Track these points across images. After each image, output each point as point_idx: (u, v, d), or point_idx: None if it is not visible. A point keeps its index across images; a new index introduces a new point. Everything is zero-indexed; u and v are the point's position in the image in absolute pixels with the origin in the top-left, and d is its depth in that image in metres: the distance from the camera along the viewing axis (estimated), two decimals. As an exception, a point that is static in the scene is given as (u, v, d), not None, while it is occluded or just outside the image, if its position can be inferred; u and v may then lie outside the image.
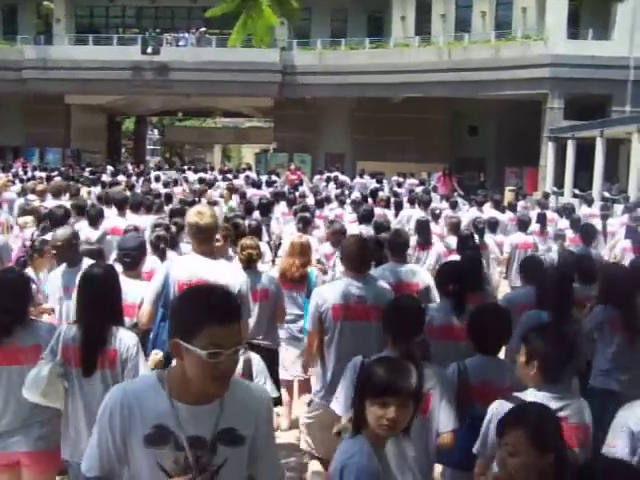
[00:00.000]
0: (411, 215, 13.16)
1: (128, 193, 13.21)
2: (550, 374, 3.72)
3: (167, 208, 11.99)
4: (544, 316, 5.31)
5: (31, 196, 13.63)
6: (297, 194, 16.41)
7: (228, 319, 2.38)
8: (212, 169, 30.06)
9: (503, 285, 11.18)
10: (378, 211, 12.77)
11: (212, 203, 12.84)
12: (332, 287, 5.44)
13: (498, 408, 3.62)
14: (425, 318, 4.50)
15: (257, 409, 2.61)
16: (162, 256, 6.85)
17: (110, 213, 10.04)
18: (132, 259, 5.67)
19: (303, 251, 7.38)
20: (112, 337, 4.06)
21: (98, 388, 4.01)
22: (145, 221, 9.70)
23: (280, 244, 10.45)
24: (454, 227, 10.62)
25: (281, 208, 13.66)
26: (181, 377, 2.46)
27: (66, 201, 11.20)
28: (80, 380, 4.05)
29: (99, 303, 4.14)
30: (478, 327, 4.51)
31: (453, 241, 9.70)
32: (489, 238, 10.77)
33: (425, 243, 9.87)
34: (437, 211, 12.52)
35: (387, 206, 14.78)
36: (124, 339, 4.08)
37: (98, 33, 37.39)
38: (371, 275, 5.52)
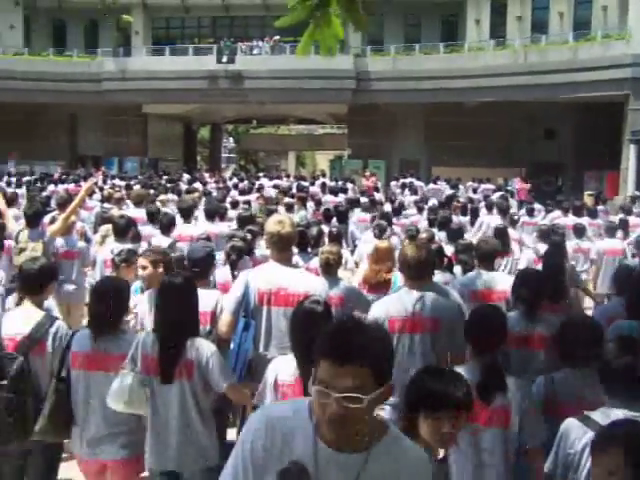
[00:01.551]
0: (489, 222, 12.95)
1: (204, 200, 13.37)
2: (629, 391, 3.50)
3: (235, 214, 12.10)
4: (635, 326, 5.08)
5: (108, 204, 13.92)
6: (373, 200, 16.31)
7: (341, 360, 2.05)
8: (287, 176, 30.21)
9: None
10: (454, 218, 12.61)
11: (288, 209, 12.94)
12: (390, 298, 5.31)
13: (568, 427, 3.51)
14: (507, 328, 4.37)
15: (410, 473, 2.22)
16: (234, 267, 6.85)
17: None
18: (201, 269, 5.67)
19: (387, 256, 7.31)
20: (189, 347, 4.07)
21: (175, 397, 4.05)
22: (218, 229, 9.80)
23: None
24: (544, 234, 10.36)
25: (357, 215, 13.60)
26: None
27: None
28: (159, 388, 4.08)
29: (176, 313, 4.15)
30: (567, 339, 4.35)
31: (543, 248, 9.45)
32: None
33: (504, 250, 9.69)
34: (515, 217, 12.28)
35: (464, 212, 14.59)
36: (201, 349, 4.09)
37: (174, 44, 38.17)
38: (433, 284, 5.37)
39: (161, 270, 5.71)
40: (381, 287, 7.13)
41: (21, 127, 37.04)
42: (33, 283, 4.86)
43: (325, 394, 2.05)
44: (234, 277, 6.56)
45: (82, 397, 4.35)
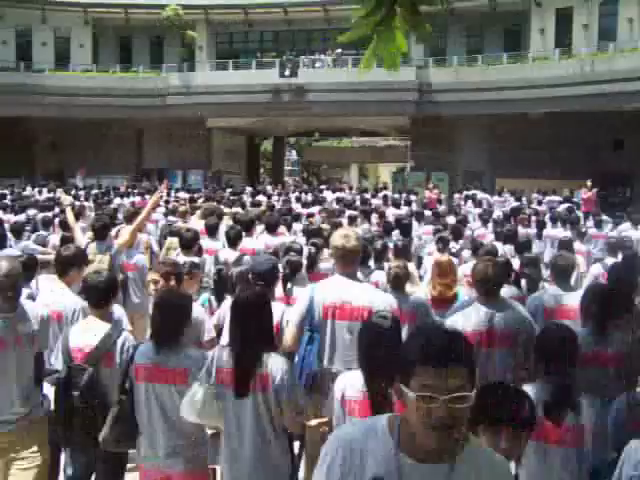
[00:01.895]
0: (554, 235, 12.71)
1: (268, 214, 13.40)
2: None
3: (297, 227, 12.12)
4: None
5: (172, 217, 14.09)
6: (437, 213, 16.16)
7: (444, 361, 2.12)
8: (350, 188, 30.18)
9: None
10: (520, 230, 12.39)
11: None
12: (463, 313, 5.26)
13: (633, 447, 3.36)
14: (578, 347, 4.22)
15: None
16: (286, 281, 6.71)
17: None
18: (265, 282, 5.65)
19: (449, 270, 7.23)
20: (264, 362, 4.03)
21: (250, 412, 4.02)
22: (279, 242, 9.79)
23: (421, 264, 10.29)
24: (612, 247, 10.08)
25: (421, 228, 13.49)
26: (408, 426, 2.23)
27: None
28: (233, 402, 4.06)
29: (250, 328, 4.13)
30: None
31: (611, 262, 9.16)
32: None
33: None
34: (583, 230, 11.98)
35: (529, 225, 14.33)
36: (276, 364, 4.04)
37: (237, 58, 38.63)
38: (503, 300, 5.29)
39: (173, 282, 5.74)
40: (446, 302, 7.05)
41: (89, 142, 37.94)
42: (98, 296, 4.93)
43: (432, 399, 2.10)
44: (286, 291, 6.54)
45: (145, 409, 4.38)
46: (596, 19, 31.42)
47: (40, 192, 25.78)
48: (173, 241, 9.84)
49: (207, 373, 4.13)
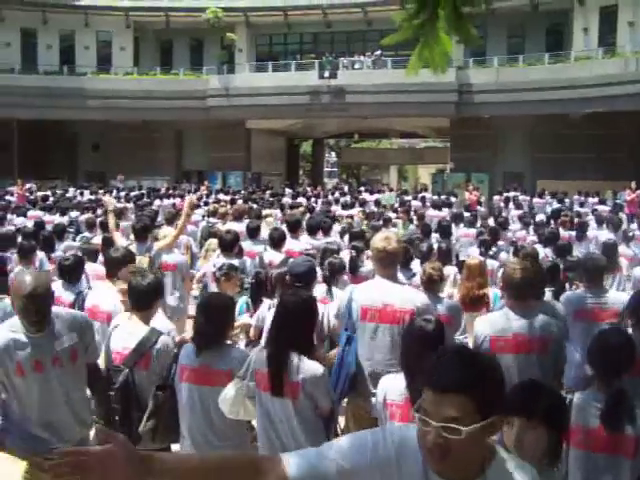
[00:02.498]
0: (597, 237, 12.53)
1: (308, 216, 13.42)
2: None
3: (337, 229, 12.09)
4: None
5: (213, 219, 14.16)
6: (476, 215, 16.02)
7: (442, 388, 2.01)
8: (391, 190, 30.10)
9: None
10: (562, 233, 12.22)
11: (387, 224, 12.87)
12: (493, 316, 5.20)
13: None
14: (635, 352, 4.03)
15: None
16: (329, 284, 6.73)
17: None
18: (303, 283, 5.64)
19: (479, 272, 7.17)
20: (295, 367, 4.00)
21: (284, 414, 4.01)
22: (319, 244, 9.74)
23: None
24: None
25: (461, 230, 13.37)
26: None
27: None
28: (269, 404, 4.06)
29: (289, 330, 4.10)
30: None
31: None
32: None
33: (611, 267, 9.29)
34: (630, 233, 11.77)
35: (571, 227, 14.13)
36: (308, 372, 4.00)
37: (277, 60, 38.78)
38: (539, 303, 5.19)
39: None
40: (477, 304, 7.00)
41: (130, 144, 38.41)
42: (142, 299, 4.97)
43: (425, 422, 2.01)
44: (327, 293, 6.53)
45: (188, 410, 4.40)
46: (642, 16, 30.88)
47: (82, 194, 26.14)
48: (212, 242, 9.86)
49: (246, 371, 4.15)
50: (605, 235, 12.20)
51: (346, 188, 33.51)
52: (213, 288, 7.29)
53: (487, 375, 2.07)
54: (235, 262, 7.70)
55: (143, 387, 4.64)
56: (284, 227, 9.88)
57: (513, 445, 2.84)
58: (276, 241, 8.70)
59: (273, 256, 8.44)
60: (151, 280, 5.02)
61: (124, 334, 4.81)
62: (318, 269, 6.70)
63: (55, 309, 4.34)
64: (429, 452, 2.02)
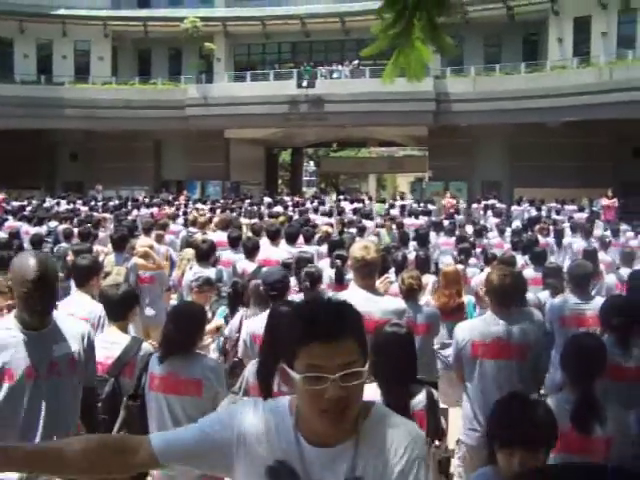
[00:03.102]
0: (571, 243, 12.64)
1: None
2: None
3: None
4: None
5: (193, 229, 14.11)
6: (454, 223, 16.09)
7: (331, 335, 1.89)
8: (370, 199, 30.12)
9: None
10: (541, 240, 12.31)
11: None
12: (473, 322, 5.26)
13: None
14: (606, 357, 4.11)
15: (403, 445, 2.00)
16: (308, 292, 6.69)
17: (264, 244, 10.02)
18: (278, 292, 5.63)
19: (455, 280, 7.21)
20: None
21: None
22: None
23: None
24: (628, 257, 9.99)
25: (441, 238, 13.43)
26: (300, 410, 2.02)
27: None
28: None
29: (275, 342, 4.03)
30: None
31: (626, 272, 9.08)
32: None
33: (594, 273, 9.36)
34: (607, 240, 11.88)
35: (547, 234, 14.23)
36: None
37: (255, 69, 38.80)
38: (520, 311, 5.24)
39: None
40: (455, 312, 7.04)
41: (108, 153, 38.20)
42: (117, 308, 4.95)
43: (320, 379, 1.88)
44: None
45: (157, 419, 4.36)
46: (615, 27, 31.24)
47: (58, 204, 25.94)
48: (187, 252, 9.86)
49: (240, 387, 4.16)
50: (578, 242, 12.31)
51: (326, 198, 33.54)
52: (189, 299, 7.27)
53: (355, 315, 2.03)
54: (212, 271, 7.69)
55: None
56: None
57: (514, 473, 2.82)
58: (250, 250, 8.69)
59: (246, 265, 8.44)
60: (125, 290, 5.01)
61: (105, 344, 4.77)
62: (293, 279, 6.69)
63: (55, 313, 3.78)
64: (327, 413, 1.90)
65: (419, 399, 3.80)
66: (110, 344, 4.76)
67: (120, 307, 4.95)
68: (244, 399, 4.07)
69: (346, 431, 1.98)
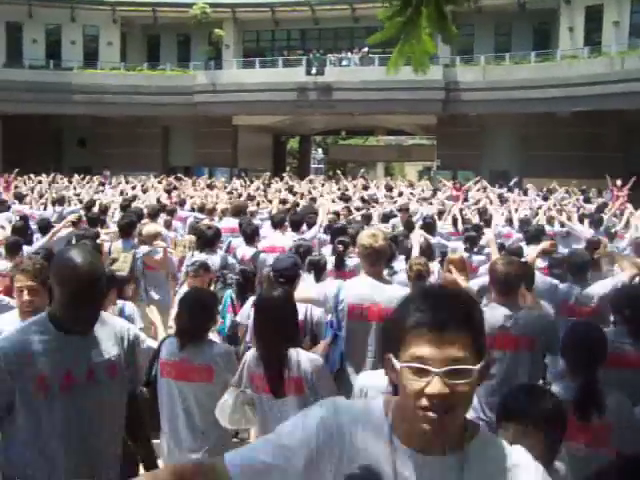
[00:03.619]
0: (582, 232, 12.55)
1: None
2: None
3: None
4: None
5: (200, 215, 14.06)
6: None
7: (442, 324, 1.70)
8: (377, 187, 29.96)
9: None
10: (548, 229, 12.25)
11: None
12: None
13: None
14: (607, 347, 4.08)
15: (516, 474, 1.78)
16: (317, 278, 6.66)
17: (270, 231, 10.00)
18: (287, 279, 5.62)
19: (461, 267, 7.18)
20: (293, 362, 3.95)
21: (292, 411, 3.81)
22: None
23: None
24: (638, 247, 9.92)
25: (446, 227, 13.35)
26: (400, 408, 1.81)
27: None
28: (272, 405, 3.99)
29: (272, 328, 4.05)
30: None
31: (638, 263, 9.07)
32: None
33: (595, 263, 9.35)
34: (613, 230, 11.83)
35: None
36: (306, 363, 3.97)
37: (264, 56, 38.73)
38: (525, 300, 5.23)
39: None
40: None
41: (116, 139, 38.26)
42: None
43: (423, 371, 1.68)
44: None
45: (168, 406, 4.36)
46: (627, 16, 30.99)
47: (67, 188, 25.89)
48: (185, 238, 9.83)
49: (240, 378, 4.10)
50: (588, 232, 12.24)
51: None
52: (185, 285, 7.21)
53: (477, 309, 1.82)
54: (217, 258, 7.67)
55: None
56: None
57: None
58: (249, 235, 8.67)
59: (245, 250, 8.43)
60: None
61: None
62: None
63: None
64: (428, 410, 1.70)
65: None
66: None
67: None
68: (247, 392, 4.07)
69: (448, 442, 1.77)
